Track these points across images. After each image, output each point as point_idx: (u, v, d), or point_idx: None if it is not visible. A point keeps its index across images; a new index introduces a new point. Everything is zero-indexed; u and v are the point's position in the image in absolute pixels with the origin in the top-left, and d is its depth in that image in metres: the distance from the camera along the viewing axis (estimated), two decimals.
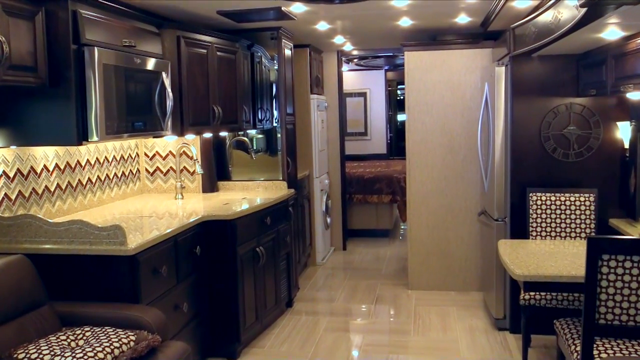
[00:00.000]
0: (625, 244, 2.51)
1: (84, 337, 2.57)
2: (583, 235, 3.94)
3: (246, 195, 4.73)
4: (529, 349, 3.87)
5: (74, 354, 2.39)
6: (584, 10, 2.62)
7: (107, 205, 4.13)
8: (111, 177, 4.23)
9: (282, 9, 4.30)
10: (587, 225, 3.95)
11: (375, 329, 4.59)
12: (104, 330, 2.61)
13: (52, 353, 2.39)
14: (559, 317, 3.21)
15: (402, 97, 11.42)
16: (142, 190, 4.73)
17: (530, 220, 4.04)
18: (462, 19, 4.87)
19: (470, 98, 5.23)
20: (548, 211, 4.01)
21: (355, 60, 8.94)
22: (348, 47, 6.75)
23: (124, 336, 2.57)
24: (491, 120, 4.43)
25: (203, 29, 4.39)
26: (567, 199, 3.99)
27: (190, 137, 4.53)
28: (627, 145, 3.95)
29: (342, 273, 6.16)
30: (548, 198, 4.02)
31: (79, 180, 3.84)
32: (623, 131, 4.01)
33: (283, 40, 5.14)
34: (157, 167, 4.74)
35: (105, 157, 4.15)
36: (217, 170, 5.03)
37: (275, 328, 4.54)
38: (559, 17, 2.98)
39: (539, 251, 3.41)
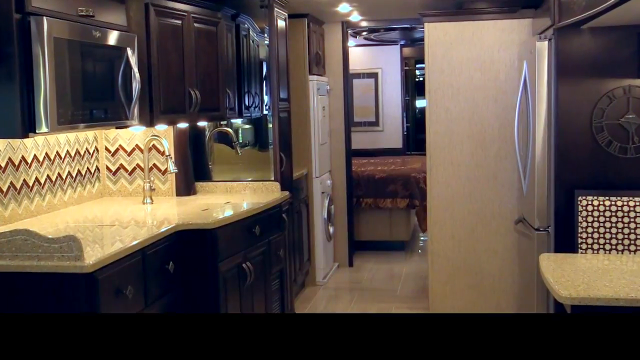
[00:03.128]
0: None
1: None
2: None
3: (230, 199, 4.73)
4: None
5: None
6: None
7: (60, 211, 4.12)
8: (64, 177, 4.22)
9: None
10: None
11: None
12: None
13: None
14: None
15: (421, 79, 11.43)
16: (102, 193, 4.73)
17: (580, 230, 4.03)
18: None
19: (505, 80, 5.23)
20: (601, 219, 3.99)
21: (364, 33, 8.94)
22: (355, 17, 6.74)
23: None
24: (531, 107, 4.42)
25: None
26: (625, 203, 3.98)
27: (161, 127, 4.53)
28: None
29: (347, 295, 6.15)
30: (601, 203, 4.01)
31: (25, 180, 3.83)
32: None
33: (275, 8, 5.14)
34: (121, 165, 4.73)
35: (57, 152, 4.15)
36: (194, 168, 5.02)
37: None
38: None
39: (589, 268, 3.40)
